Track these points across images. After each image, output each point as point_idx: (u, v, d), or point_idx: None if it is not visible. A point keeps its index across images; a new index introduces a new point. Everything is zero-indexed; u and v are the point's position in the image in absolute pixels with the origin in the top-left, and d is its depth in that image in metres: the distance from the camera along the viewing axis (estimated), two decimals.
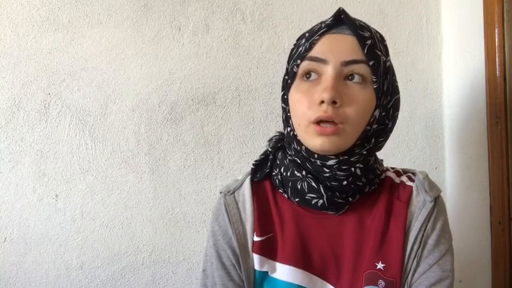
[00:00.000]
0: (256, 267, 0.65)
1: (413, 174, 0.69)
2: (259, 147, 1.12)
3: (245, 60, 1.11)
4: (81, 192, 1.08)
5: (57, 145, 1.07)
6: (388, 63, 0.62)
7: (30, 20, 1.05)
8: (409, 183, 0.67)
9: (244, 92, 1.11)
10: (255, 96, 1.11)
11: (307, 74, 0.60)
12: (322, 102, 0.57)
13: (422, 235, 0.62)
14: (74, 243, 1.08)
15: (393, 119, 0.65)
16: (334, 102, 0.56)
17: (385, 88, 0.61)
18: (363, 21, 0.63)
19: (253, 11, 1.11)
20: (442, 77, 1.16)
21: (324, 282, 0.63)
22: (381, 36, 0.63)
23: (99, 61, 1.07)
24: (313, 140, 0.59)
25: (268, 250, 0.65)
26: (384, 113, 0.62)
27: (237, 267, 0.66)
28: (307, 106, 0.59)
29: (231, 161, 1.11)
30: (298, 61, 0.61)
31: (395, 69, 0.66)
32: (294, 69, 0.62)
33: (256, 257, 0.65)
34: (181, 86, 1.10)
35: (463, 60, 1.08)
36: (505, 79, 0.95)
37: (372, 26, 0.64)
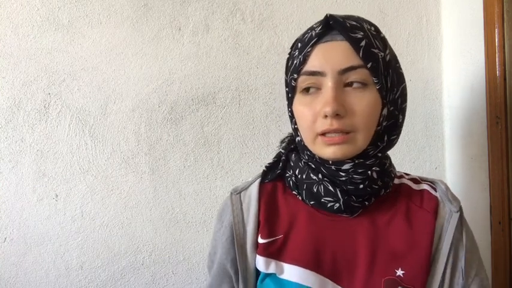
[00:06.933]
0: (261, 269, 0.64)
1: (433, 183, 0.69)
2: (259, 147, 1.12)
3: (245, 60, 1.11)
4: (81, 192, 1.08)
5: (57, 145, 1.07)
6: (388, 57, 0.60)
7: (30, 20, 1.05)
8: (433, 193, 0.66)
9: (244, 92, 1.11)
10: (255, 96, 1.11)
11: (307, 89, 0.60)
12: (326, 116, 0.57)
13: (456, 245, 0.62)
14: (74, 243, 1.08)
15: (402, 111, 0.64)
16: (337, 115, 0.56)
17: (389, 84, 0.60)
18: (354, 16, 0.61)
19: (253, 11, 1.11)
20: (442, 77, 1.16)
21: (336, 285, 0.62)
22: (375, 29, 0.61)
23: (99, 61, 1.08)
24: (323, 151, 0.59)
25: (275, 252, 0.64)
26: (392, 108, 0.61)
27: (230, 266, 0.67)
28: (311, 120, 0.59)
29: (231, 161, 1.11)
30: (295, 75, 0.61)
31: None
32: (293, 83, 0.61)
33: (260, 259, 0.64)
34: (181, 86, 1.10)
35: (463, 60, 1.08)
36: (505, 79, 0.95)
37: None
